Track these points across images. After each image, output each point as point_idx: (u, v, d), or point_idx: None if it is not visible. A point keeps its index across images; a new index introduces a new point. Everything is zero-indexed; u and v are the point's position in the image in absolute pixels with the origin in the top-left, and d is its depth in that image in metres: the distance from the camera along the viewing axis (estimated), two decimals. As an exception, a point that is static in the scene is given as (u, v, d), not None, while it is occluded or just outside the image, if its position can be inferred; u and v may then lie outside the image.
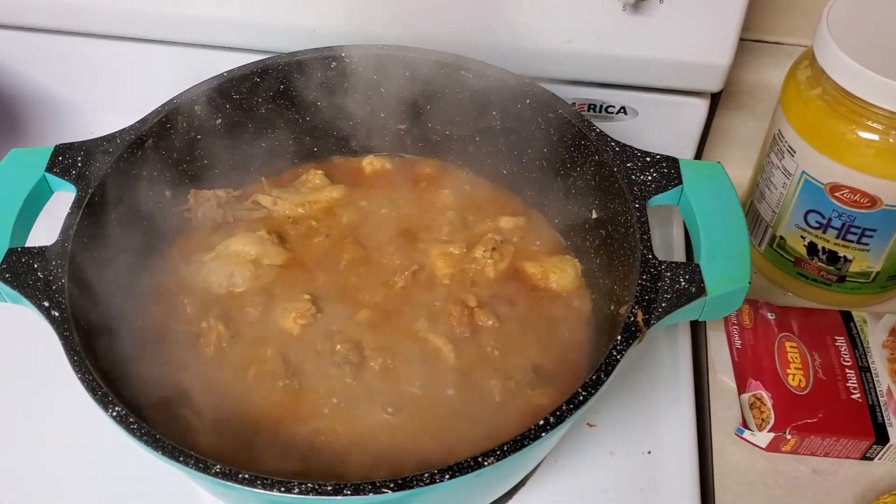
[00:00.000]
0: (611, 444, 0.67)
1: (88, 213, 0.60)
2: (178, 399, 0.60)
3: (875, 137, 0.65)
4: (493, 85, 0.69)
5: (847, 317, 0.73)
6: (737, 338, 0.72)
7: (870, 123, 0.65)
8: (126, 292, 0.63)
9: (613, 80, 0.76)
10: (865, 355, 0.70)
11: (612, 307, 0.60)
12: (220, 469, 0.47)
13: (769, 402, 0.67)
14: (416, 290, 0.66)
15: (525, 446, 0.48)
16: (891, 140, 0.64)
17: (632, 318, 0.53)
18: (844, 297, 0.76)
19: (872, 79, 0.62)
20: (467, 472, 0.47)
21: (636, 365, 0.71)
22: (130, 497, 0.64)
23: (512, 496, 0.64)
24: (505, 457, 0.47)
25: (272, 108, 0.71)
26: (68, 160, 0.62)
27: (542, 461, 0.65)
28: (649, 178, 0.60)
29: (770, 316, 0.73)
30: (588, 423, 0.68)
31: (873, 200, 0.67)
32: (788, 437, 0.66)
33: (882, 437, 0.65)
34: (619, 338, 0.52)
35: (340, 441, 0.58)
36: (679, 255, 0.79)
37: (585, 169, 0.65)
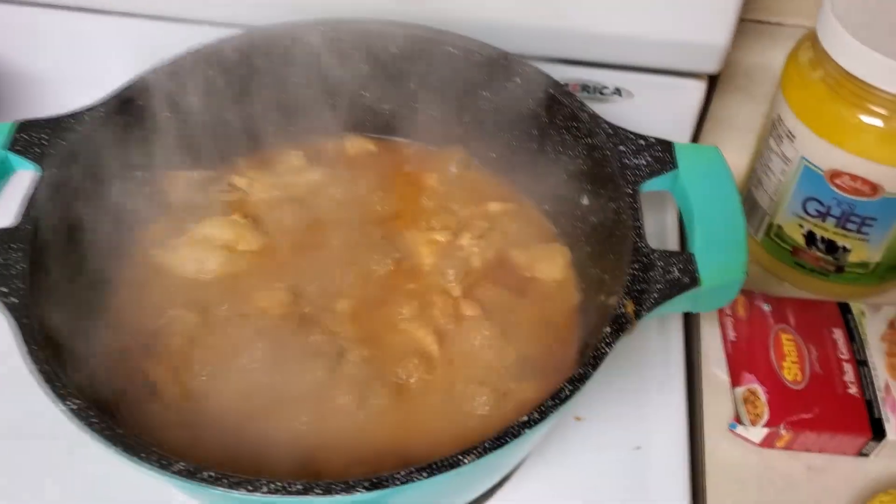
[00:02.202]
0: (598, 438, 0.65)
1: (52, 194, 0.57)
2: (146, 392, 0.57)
3: (878, 122, 0.62)
4: (480, 63, 0.66)
5: (845, 308, 0.70)
6: (731, 329, 0.70)
7: (873, 108, 0.62)
8: (91, 278, 0.60)
9: (607, 59, 0.73)
10: (863, 348, 0.67)
11: (601, 297, 0.58)
12: (183, 467, 0.44)
13: (763, 397, 0.65)
14: (398, 279, 0.64)
15: (506, 443, 0.46)
16: (894, 125, 0.62)
17: (621, 310, 0.51)
18: (843, 288, 0.74)
19: (877, 61, 0.60)
20: (445, 471, 0.44)
21: (626, 356, 0.68)
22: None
23: (495, 492, 0.62)
24: (485, 454, 0.45)
25: (248, 85, 0.68)
26: (31, 138, 0.58)
27: (527, 455, 0.63)
28: (642, 162, 0.58)
29: (766, 307, 0.70)
30: (575, 417, 0.66)
31: (874, 188, 0.65)
32: (783, 432, 0.63)
33: (879, 434, 0.63)
34: (607, 330, 0.50)
35: (316, 436, 0.55)
36: (673, 243, 0.76)
37: (576, 152, 0.62)
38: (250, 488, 0.43)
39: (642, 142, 0.59)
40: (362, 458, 0.54)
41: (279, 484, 0.43)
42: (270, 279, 0.63)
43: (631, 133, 0.59)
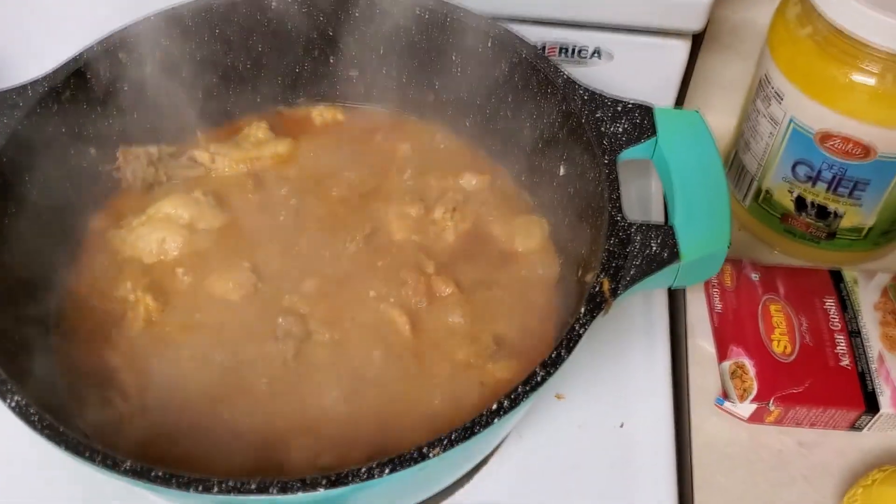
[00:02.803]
0: (580, 416, 0.63)
1: (-4, 174, 0.54)
2: (104, 380, 0.54)
3: (870, 81, 0.59)
4: (451, 25, 0.63)
5: (837, 276, 0.68)
6: (717, 300, 0.67)
7: (865, 66, 0.59)
8: (44, 261, 0.57)
9: (586, 18, 0.69)
10: (856, 318, 0.65)
11: (579, 273, 0.55)
12: (131, 466, 0.42)
13: (752, 371, 0.62)
14: (368, 256, 0.61)
15: (475, 434, 0.43)
16: (887, 84, 0.59)
17: (597, 288, 0.48)
18: (834, 254, 0.71)
19: (869, 15, 0.57)
20: (410, 465, 0.42)
21: (607, 329, 0.66)
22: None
23: (476, 472, 0.60)
24: (452, 446, 0.43)
25: (208, 52, 0.65)
26: (-29, 115, 0.55)
27: (507, 436, 0.61)
28: (620, 129, 0.55)
29: (754, 276, 0.67)
30: (556, 395, 0.63)
31: (867, 150, 0.62)
32: (772, 407, 0.61)
33: (872, 407, 0.61)
34: (582, 310, 0.47)
35: (282, 424, 0.53)
36: (657, 213, 0.73)
37: (552, 119, 0.59)
38: (201, 488, 0.41)
39: (620, 107, 0.55)
40: (331, 443, 0.52)
41: (232, 483, 0.41)
42: (234, 258, 0.60)
43: (608, 98, 0.56)
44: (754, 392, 0.61)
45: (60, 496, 0.58)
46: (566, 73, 0.58)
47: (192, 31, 0.64)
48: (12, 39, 0.75)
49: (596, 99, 0.56)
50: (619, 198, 0.51)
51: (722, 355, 0.64)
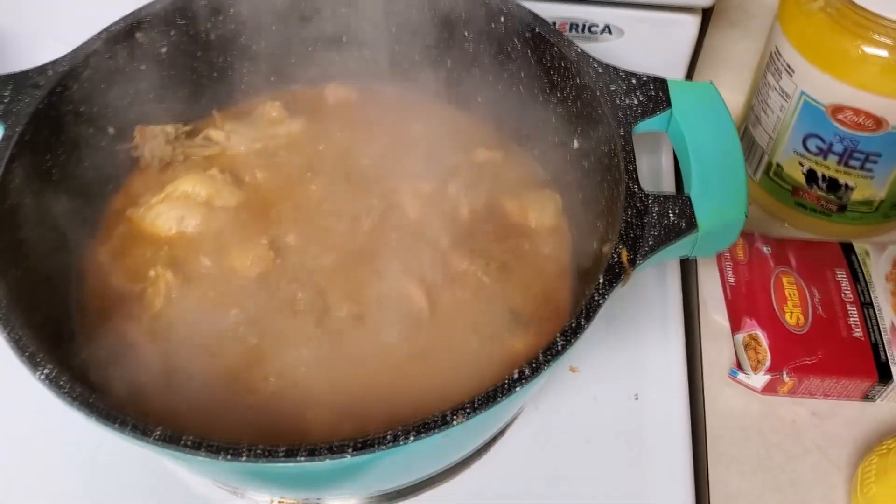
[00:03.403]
0: (595, 389, 0.64)
1: (18, 153, 0.54)
2: (126, 356, 0.55)
3: (883, 53, 0.60)
4: (463, 2, 0.63)
5: (848, 249, 0.68)
6: (730, 273, 0.67)
7: (877, 38, 0.59)
8: (65, 239, 0.58)
9: (595, -5, 0.70)
10: (868, 290, 0.65)
11: (594, 245, 0.55)
12: (162, 434, 0.42)
13: (765, 342, 0.63)
14: (384, 232, 0.61)
15: (497, 401, 0.44)
16: (900, 55, 0.59)
17: (615, 258, 0.48)
18: (845, 227, 0.72)
19: (881, -13, 0.57)
20: (434, 431, 0.42)
21: (622, 304, 0.67)
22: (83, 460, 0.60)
23: (491, 446, 0.61)
24: (475, 413, 0.43)
25: (223, 32, 0.65)
26: (-7, 95, 0.56)
27: (522, 408, 0.61)
28: (635, 101, 0.55)
29: (766, 249, 0.68)
30: (571, 368, 0.64)
31: (878, 122, 0.63)
32: (786, 378, 0.62)
33: (885, 377, 0.61)
34: (601, 279, 0.48)
35: (302, 396, 0.54)
36: (668, 186, 0.74)
37: (566, 93, 0.60)
38: (230, 454, 0.41)
39: (634, 80, 0.56)
40: (349, 415, 0.53)
41: (261, 449, 0.42)
42: (252, 235, 0.60)
43: (622, 71, 0.56)
44: (768, 363, 0.62)
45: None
46: (579, 47, 0.58)
47: (206, 11, 0.64)
48: (32, 21, 0.75)
49: (610, 72, 0.56)
50: (635, 169, 0.52)
51: (735, 327, 0.65)
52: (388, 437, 0.42)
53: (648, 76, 0.56)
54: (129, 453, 0.59)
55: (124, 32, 0.61)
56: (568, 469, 0.60)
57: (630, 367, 0.64)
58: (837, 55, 0.61)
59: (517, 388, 0.44)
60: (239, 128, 0.66)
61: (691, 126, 0.54)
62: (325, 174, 0.64)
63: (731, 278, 0.67)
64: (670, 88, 0.55)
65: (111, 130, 0.62)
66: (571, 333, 0.46)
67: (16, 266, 0.51)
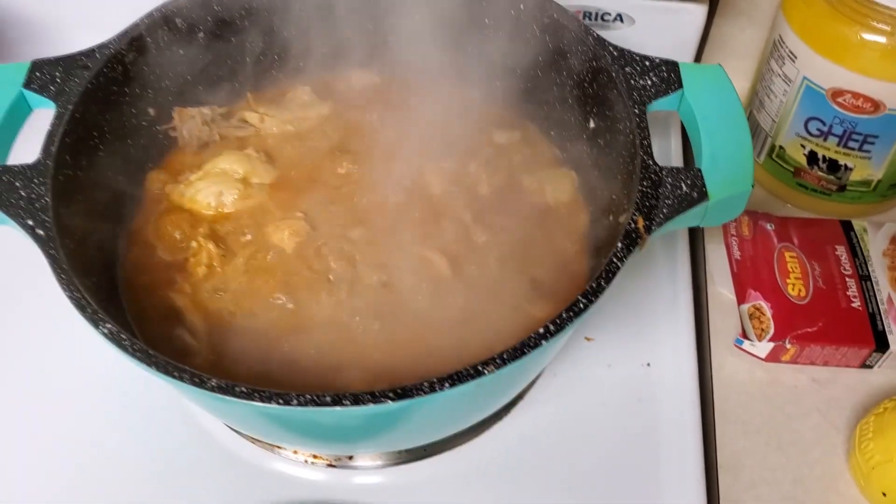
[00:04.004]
0: (609, 356, 0.67)
1: (70, 130, 0.57)
2: (172, 319, 0.59)
3: (881, 39, 0.63)
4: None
5: (847, 226, 0.72)
6: (736, 249, 0.71)
7: (875, 24, 0.63)
8: (112, 211, 0.61)
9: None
10: (866, 264, 0.69)
11: (610, 217, 0.59)
12: (217, 383, 0.46)
13: (769, 312, 0.66)
14: (409, 207, 0.65)
15: (525, 354, 0.47)
16: (896, 41, 0.63)
17: (632, 225, 0.52)
18: (844, 206, 0.75)
19: (879, -25, 0.60)
20: (468, 381, 0.46)
21: (634, 277, 0.70)
22: (122, 420, 0.63)
23: (511, 409, 0.64)
24: (505, 364, 0.47)
25: (257, 21, 0.69)
26: (46, 76, 0.59)
27: (539, 375, 0.65)
28: (649, 82, 0.59)
29: (769, 227, 0.71)
30: (586, 337, 0.68)
31: (876, 105, 0.66)
32: (788, 346, 0.65)
33: (882, 345, 0.65)
34: (619, 245, 0.51)
35: (338, 357, 0.57)
36: (677, 165, 0.77)
37: (583, 76, 0.63)
38: (282, 401, 0.45)
39: (647, 63, 0.59)
40: (382, 375, 0.56)
41: (309, 396, 0.45)
42: (287, 209, 0.64)
43: (637, 55, 0.60)
44: (771, 332, 0.66)
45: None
46: (595, 32, 0.62)
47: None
48: (77, 12, 0.78)
49: (625, 55, 0.60)
50: (650, 144, 0.55)
51: (741, 298, 0.68)
52: (425, 385, 0.45)
53: (661, 59, 0.59)
54: (169, 416, 0.63)
55: (165, 18, 0.64)
56: (584, 429, 0.63)
57: (642, 336, 0.68)
58: (838, 41, 0.65)
59: (543, 343, 0.47)
60: (272, 110, 0.69)
61: (701, 105, 0.57)
62: (353, 154, 0.68)
63: (736, 253, 0.71)
64: (681, 70, 0.59)
65: (151, 111, 0.66)
66: (592, 293, 0.49)
67: (70, 235, 0.54)
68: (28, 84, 0.59)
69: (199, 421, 0.63)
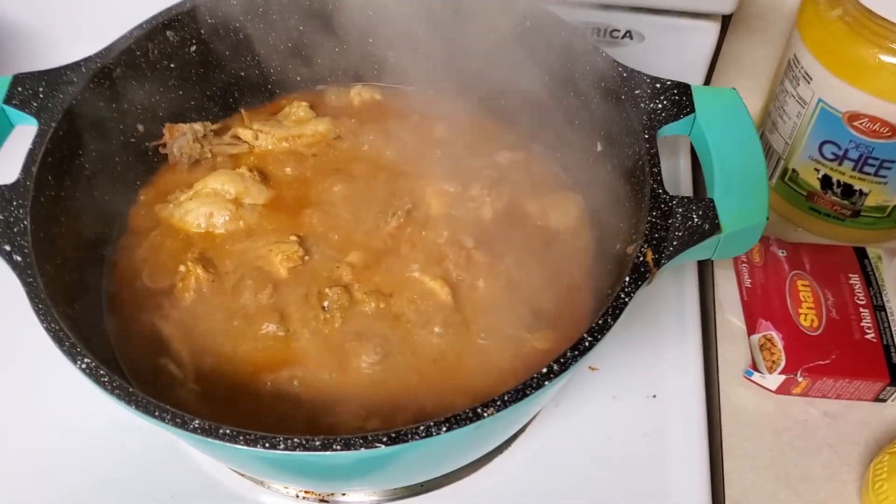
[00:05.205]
0: (614, 387, 0.65)
1: (52, 148, 0.55)
2: (157, 349, 0.56)
3: (899, 61, 0.61)
4: (490, 6, 0.64)
5: (861, 253, 0.70)
6: (746, 276, 0.69)
7: (894, 46, 0.60)
8: (97, 233, 0.59)
9: (619, 0, 0.71)
10: (880, 293, 0.67)
11: (617, 246, 0.56)
12: (199, 425, 0.43)
13: (780, 344, 0.64)
14: (410, 231, 0.62)
15: (527, 396, 0.45)
16: (917, 64, 0.60)
17: (641, 258, 0.50)
18: (859, 232, 0.73)
19: (899, -4, 0.58)
20: (465, 424, 0.44)
21: (640, 304, 0.67)
22: (111, 453, 0.60)
23: (512, 442, 0.62)
24: (505, 407, 0.44)
25: (251, 33, 0.66)
26: (29, 91, 0.57)
27: (543, 406, 0.62)
28: (659, 106, 0.56)
29: (781, 253, 0.69)
30: (590, 367, 0.65)
31: (894, 130, 0.64)
32: (800, 379, 0.63)
33: (897, 379, 0.62)
34: (627, 279, 0.49)
35: (330, 390, 0.55)
36: (686, 190, 0.75)
37: (590, 97, 0.61)
38: (267, 445, 0.43)
39: (658, 85, 0.57)
40: (377, 409, 0.54)
41: (297, 440, 0.43)
42: (279, 232, 0.62)
43: (647, 76, 0.58)
44: (783, 364, 0.63)
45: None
46: (604, 52, 0.59)
47: (234, 12, 0.65)
48: (63, 20, 0.76)
49: (635, 77, 0.58)
50: (660, 172, 0.53)
51: (751, 329, 0.66)
52: (421, 429, 0.43)
53: (673, 81, 0.57)
54: (154, 445, 0.60)
55: (155, 31, 0.62)
56: (587, 465, 0.61)
57: (648, 366, 0.65)
58: (855, 63, 0.63)
59: (546, 384, 0.45)
60: (266, 127, 0.67)
61: (714, 131, 0.55)
62: (351, 173, 0.66)
63: (747, 281, 0.68)
64: (694, 94, 0.57)
65: (140, 127, 0.64)
66: (598, 331, 0.47)
67: (51, 260, 0.52)
68: (9, 100, 0.56)
69: (185, 450, 0.60)
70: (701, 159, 0.56)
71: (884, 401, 0.64)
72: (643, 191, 0.53)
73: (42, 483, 0.59)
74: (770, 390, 0.64)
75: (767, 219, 0.52)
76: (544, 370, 0.46)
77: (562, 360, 0.46)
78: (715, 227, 0.51)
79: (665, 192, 0.52)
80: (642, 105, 0.56)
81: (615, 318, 0.48)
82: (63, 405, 0.61)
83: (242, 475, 0.59)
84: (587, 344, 0.47)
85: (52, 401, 0.62)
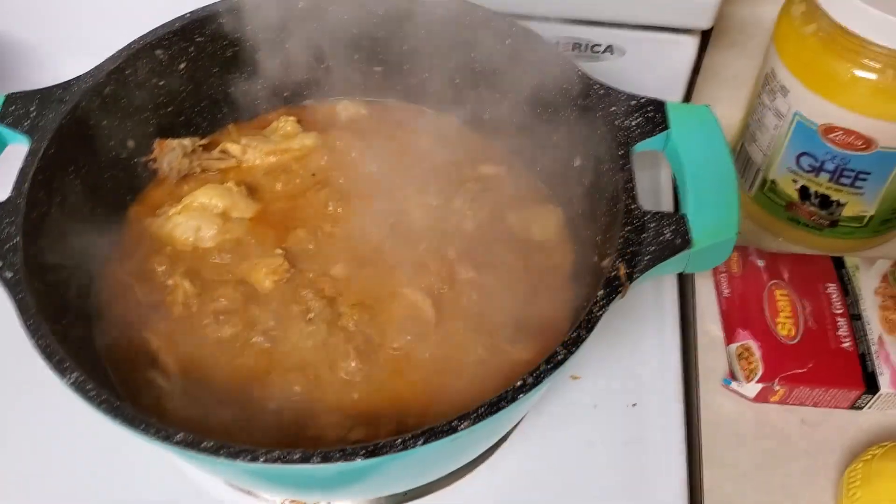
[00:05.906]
0: (595, 396, 0.66)
1: (44, 166, 0.56)
2: (146, 360, 0.57)
3: (872, 76, 0.62)
4: (471, 24, 0.65)
5: (839, 263, 0.71)
6: (725, 286, 0.70)
7: (866, 62, 0.62)
8: (87, 250, 0.60)
9: (600, 16, 0.72)
10: (857, 302, 0.68)
11: (594, 258, 0.58)
12: (183, 438, 0.45)
13: (758, 353, 0.65)
14: (393, 243, 0.63)
15: (502, 409, 0.46)
16: (888, 79, 0.61)
17: (614, 272, 0.51)
18: (836, 242, 0.74)
19: (870, 14, 0.59)
20: (442, 437, 0.45)
21: (621, 314, 0.69)
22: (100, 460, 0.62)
23: (496, 450, 0.63)
24: (481, 420, 0.45)
25: (239, 50, 0.68)
26: (20, 110, 0.58)
27: (524, 415, 0.64)
28: (634, 123, 0.57)
29: (760, 263, 0.70)
30: (572, 376, 0.66)
31: (868, 142, 0.65)
32: (777, 387, 0.64)
33: (872, 387, 0.64)
34: (600, 293, 0.50)
35: (315, 401, 0.56)
36: (667, 201, 0.76)
37: (568, 113, 0.62)
38: (248, 458, 0.44)
39: (634, 102, 0.58)
40: (360, 420, 0.55)
41: (277, 453, 0.44)
42: (267, 246, 0.63)
43: (623, 93, 0.59)
44: (760, 373, 0.64)
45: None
46: (582, 70, 0.61)
47: (222, 30, 0.66)
48: (55, 38, 0.77)
49: (611, 94, 0.59)
50: (634, 188, 0.54)
51: (729, 338, 0.67)
52: (398, 442, 0.44)
53: (647, 98, 0.58)
54: (144, 457, 0.62)
55: (144, 49, 0.63)
56: (568, 473, 0.62)
57: (629, 375, 0.66)
58: (829, 78, 0.64)
59: (520, 397, 0.46)
60: (254, 141, 0.68)
61: (687, 147, 0.56)
62: (337, 187, 0.67)
63: (725, 290, 0.70)
64: (668, 110, 0.58)
65: (131, 143, 0.65)
66: (572, 344, 0.48)
67: (41, 276, 0.53)
68: (1, 119, 0.58)
69: (173, 459, 0.61)
70: (675, 173, 0.57)
71: (860, 408, 0.65)
72: (617, 206, 0.54)
73: (26, 488, 0.61)
74: (748, 398, 0.66)
75: (738, 235, 0.53)
76: (518, 383, 0.47)
77: (535, 374, 0.47)
78: (686, 242, 0.52)
79: (638, 208, 0.53)
80: (617, 122, 0.57)
81: (589, 331, 0.49)
82: (53, 410, 0.62)
83: (230, 484, 0.60)
84: (560, 357, 0.48)
85: (41, 405, 0.63)
